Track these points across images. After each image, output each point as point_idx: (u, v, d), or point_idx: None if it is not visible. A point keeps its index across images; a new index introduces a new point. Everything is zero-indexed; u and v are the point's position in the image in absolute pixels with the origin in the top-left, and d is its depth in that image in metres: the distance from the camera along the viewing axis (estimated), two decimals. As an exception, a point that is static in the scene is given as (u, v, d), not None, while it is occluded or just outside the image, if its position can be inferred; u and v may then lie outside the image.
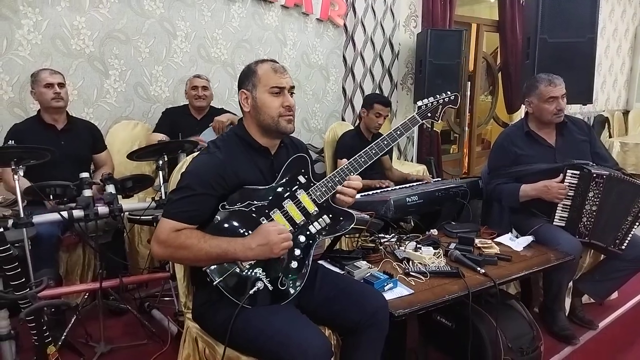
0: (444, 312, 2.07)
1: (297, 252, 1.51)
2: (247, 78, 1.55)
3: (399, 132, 1.69)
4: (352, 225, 1.59)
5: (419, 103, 1.80)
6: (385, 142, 1.66)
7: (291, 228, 1.52)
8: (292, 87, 1.57)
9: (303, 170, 1.59)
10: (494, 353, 1.89)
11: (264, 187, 1.53)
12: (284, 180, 1.56)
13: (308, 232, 1.54)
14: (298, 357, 1.29)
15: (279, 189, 1.55)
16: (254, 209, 1.49)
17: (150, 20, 3.31)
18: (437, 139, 5.09)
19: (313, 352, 1.31)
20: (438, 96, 1.81)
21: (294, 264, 1.51)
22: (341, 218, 1.58)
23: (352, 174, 1.59)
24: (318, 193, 1.55)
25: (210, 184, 1.45)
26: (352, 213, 1.60)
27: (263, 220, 1.49)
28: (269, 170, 1.58)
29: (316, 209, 1.54)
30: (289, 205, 1.53)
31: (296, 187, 1.56)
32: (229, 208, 1.48)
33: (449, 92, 1.83)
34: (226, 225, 1.47)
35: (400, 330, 1.78)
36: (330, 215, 1.57)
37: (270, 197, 1.52)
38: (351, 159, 1.62)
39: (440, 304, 1.69)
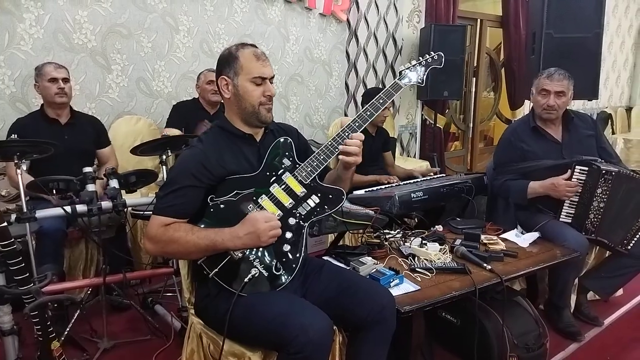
0: (448, 309, 2.06)
1: (289, 235, 1.51)
2: (227, 64, 1.53)
3: (381, 101, 1.62)
4: (344, 201, 1.56)
5: (401, 67, 1.73)
6: (369, 113, 1.59)
7: (280, 212, 1.51)
8: (273, 77, 1.56)
9: (287, 153, 1.58)
10: (499, 350, 1.89)
11: (249, 174, 1.52)
12: (269, 165, 1.55)
13: (298, 214, 1.53)
14: (299, 336, 1.29)
15: (265, 175, 1.54)
16: (241, 198, 1.49)
17: (153, 14, 3.28)
18: (440, 135, 5.07)
19: (314, 330, 1.31)
20: (421, 58, 1.75)
21: (287, 247, 1.50)
22: (330, 195, 1.56)
23: (336, 150, 1.54)
24: (304, 174, 1.54)
25: (194, 175, 1.45)
26: (341, 189, 1.57)
27: (251, 207, 1.49)
28: (256, 158, 1.58)
29: (303, 190, 1.53)
30: (276, 189, 1.52)
31: (282, 170, 1.55)
32: (217, 200, 1.48)
33: (432, 53, 1.76)
34: (216, 216, 1.47)
35: (406, 326, 1.77)
36: (319, 195, 1.55)
37: (256, 184, 1.52)
38: (332, 137, 1.58)
39: (447, 300, 1.68)
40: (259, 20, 3.79)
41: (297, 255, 1.51)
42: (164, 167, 2.37)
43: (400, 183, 2.90)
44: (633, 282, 2.48)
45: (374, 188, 2.71)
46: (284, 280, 1.48)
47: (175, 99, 3.44)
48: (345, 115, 4.51)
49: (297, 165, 1.56)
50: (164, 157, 2.36)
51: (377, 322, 1.48)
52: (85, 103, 3.10)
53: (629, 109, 7.72)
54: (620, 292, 2.67)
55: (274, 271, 1.48)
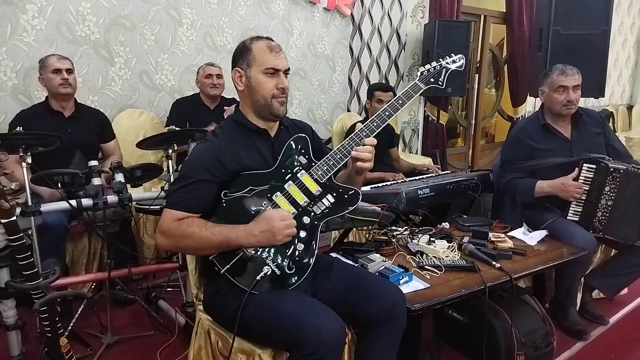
0: (455, 307, 2.05)
1: (303, 234, 1.49)
2: (241, 56, 1.52)
3: (400, 102, 1.60)
4: (358, 202, 1.54)
5: (421, 69, 1.69)
6: (387, 113, 1.58)
7: (294, 210, 1.49)
8: (288, 69, 1.54)
9: (303, 151, 1.56)
10: (507, 348, 1.88)
11: (264, 171, 1.50)
12: (284, 162, 1.53)
13: (312, 213, 1.51)
14: (312, 337, 1.27)
15: (280, 172, 1.52)
16: (255, 194, 1.47)
17: (156, 7, 3.25)
18: (443, 131, 5.05)
19: (327, 332, 1.29)
20: (442, 60, 1.70)
21: (300, 246, 1.48)
22: (346, 196, 1.53)
23: (352, 149, 1.53)
24: (320, 172, 1.52)
25: (208, 170, 1.43)
26: (357, 189, 1.55)
27: (265, 204, 1.47)
28: (270, 153, 1.56)
29: (319, 188, 1.51)
30: (290, 187, 1.50)
31: (297, 168, 1.53)
32: (230, 195, 1.46)
33: (453, 55, 1.72)
34: (229, 212, 1.45)
35: (414, 324, 1.76)
36: (334, 194, 1.53)
37: (271, 181, 1.50)
38: (349, 136, 1.56)
39: (457, 299, 1.66)
40: (262, 14, 3.76)
41: (310, 254, 1.49)
42: (169, 161, 2.34)
43: (406, 180, 2.88)
44: (638, 281, 2.48)
45: (380, 185, 2.70)
46: (295, 280, 1.46)
47: (179, 93, 3.41)
48: (348, 110, 4.49)
49: (313, 164, 1.54)
50: (170, 151, 2.34)
51: (388, 319, 1.46)
52: (88, 96, 3.07)
53: (630, 107, 7.73)
54: (625, 290, 2.66)
55: (286, 270, 1.45)
